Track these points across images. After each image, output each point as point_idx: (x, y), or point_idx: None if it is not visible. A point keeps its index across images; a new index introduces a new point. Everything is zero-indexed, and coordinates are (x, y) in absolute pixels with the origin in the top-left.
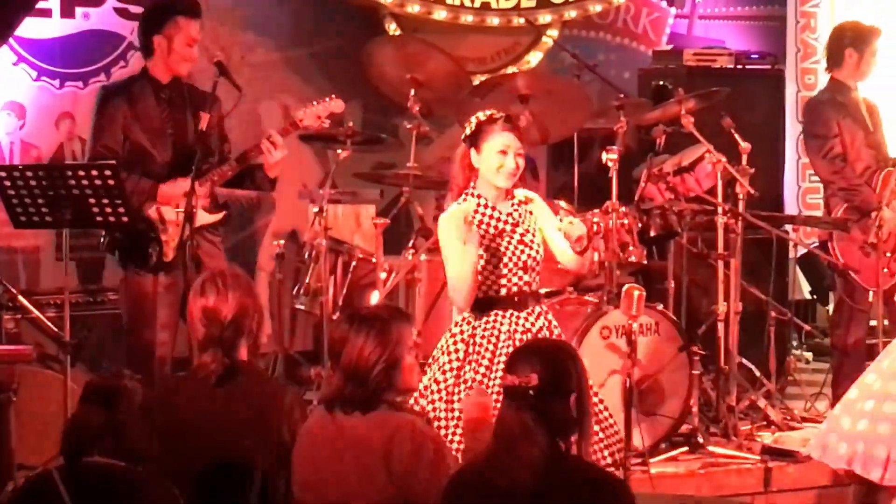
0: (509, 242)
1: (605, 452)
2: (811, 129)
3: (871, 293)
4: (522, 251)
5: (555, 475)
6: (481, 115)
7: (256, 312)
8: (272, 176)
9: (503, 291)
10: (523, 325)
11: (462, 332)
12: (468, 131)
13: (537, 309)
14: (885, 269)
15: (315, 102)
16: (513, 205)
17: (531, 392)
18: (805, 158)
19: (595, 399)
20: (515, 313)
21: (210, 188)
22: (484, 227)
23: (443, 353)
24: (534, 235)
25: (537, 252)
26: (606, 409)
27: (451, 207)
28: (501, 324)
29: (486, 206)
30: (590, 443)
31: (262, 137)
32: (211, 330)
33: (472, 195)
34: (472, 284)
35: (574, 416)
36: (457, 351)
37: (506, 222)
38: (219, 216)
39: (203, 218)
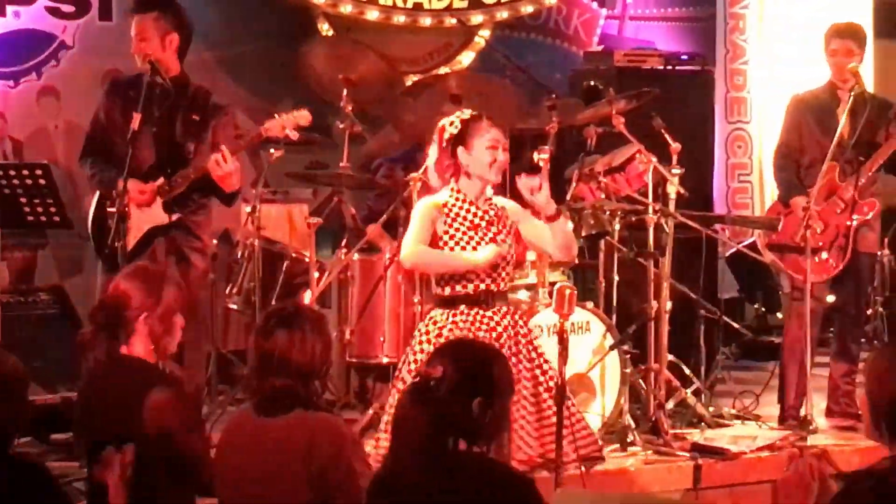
0: (481, 240)
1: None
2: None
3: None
4: None
5: (451, 473)
6: (463, 115)
7: (145, 306)
8: (228, 189)
9: (470, 288)
10: (487, 324)
11: (428, 333)
12: (453, 131)
13: (503, 308)
14: (819, 262)
15: (278, 115)
16: (491, 205)
17: (432, 385)
18: (735, 158)
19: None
20: (481, 311)
21: (165, 191)
22: (460, 220)
23: (412, 353)
24: (506, 237)
25: (509, 253)
26: (574, 405)
27: (432, 196)
28: (465, 321)
29: (464, 201)
30: (502, 446)
31: (214, 151)
32: (96, 316)
33: (455, 190)
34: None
35: (478, 418)
36: (422, 351)
37: (482, 219)
38: (174, 218)
39: (158, 219)
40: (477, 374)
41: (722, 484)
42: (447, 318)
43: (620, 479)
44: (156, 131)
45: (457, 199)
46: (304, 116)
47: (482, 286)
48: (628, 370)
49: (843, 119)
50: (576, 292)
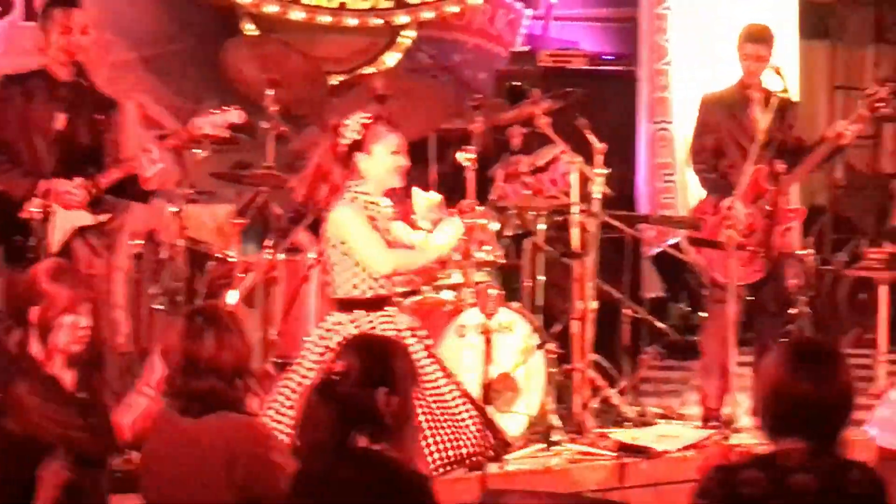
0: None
1: (451, 451)
2: (695, 124)
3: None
4: None
5: (353, 471)
6: (362, 119)
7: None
8: (149, 188)
9: (369, 294)
10: (383, 326)
11: (328, 338)
12: (354, 136)
13: (394, 309)
14: (747, 265)
15: (212, 112)
16: (388, 206)
17: (337, 380)
18: (659, 158)
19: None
20: (380, 313)
21: (90, 191)
22: (378, 222)
23: (310, 353)
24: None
25: None
26: (464, 403)
27: (343, 204)
28: (368, 324)
29: (374, 205)
30: (406, 441)
31: (140, 150)
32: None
33: (363, 192)
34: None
35: (383, 410)
36: (322, 354)
37: (391, 219)
38: (102, 218)
39: (83, 219)
40: (379, 365)
41: (646, 483)
42: (346, 323)
43: (545, 478)
44: (66, 130)
45: (367, 203)
46: (235, 115)
47: (382, 291)
48: (553, 370)
49: (766, 119)
50: (501, 292)
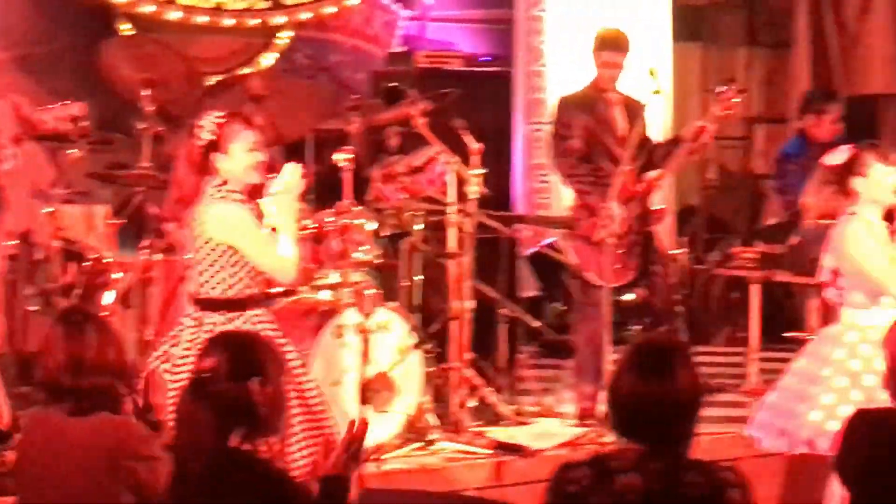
0: None
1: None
2: (555, 129)
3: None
4: None
5: (224, 467)
6: (217, 119)
7: None
8: None
9: (245, 293)
10: (254, 325)
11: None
12: (209, 136)
13: (262, 310)
14: (620, 266)
15: (52, 106)
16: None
17: (209, 377)
18: (535, 159)
19: (312, 395)
20: (253, 312)
21: None
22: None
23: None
24: None
25: None
26: (321, 404)
27: (218, 204)
28: (243, 324)
29: (243, 203)
30: (279, 432)
31: None
32: None
33: (231, 191)
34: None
35: (257, 400)
36: (186, 356)
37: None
38: None
39: None
40: (246, 357)
41: (523, 481)
42: (244, 322)
43: (422, 477)
44: None
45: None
46: (76, 107)
47: (255, 290)
48: (430, 369)
49: (625, 121)
50: (378, 292)
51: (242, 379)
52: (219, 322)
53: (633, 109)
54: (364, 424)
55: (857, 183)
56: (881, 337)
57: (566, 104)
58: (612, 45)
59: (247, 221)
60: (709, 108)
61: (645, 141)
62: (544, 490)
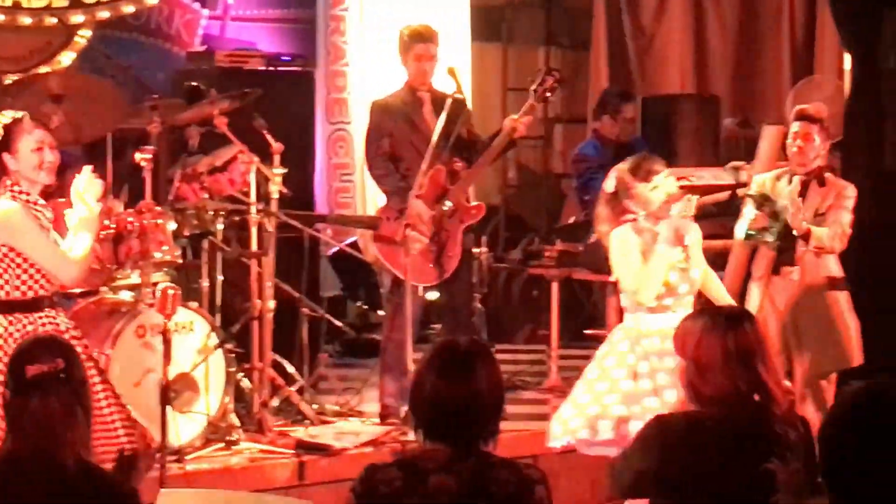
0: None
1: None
2: (367, 131)
3: (420, 288)
4: None
5: (72, 480)
6: (3, 120)
7: None
8: None
9: (30, 294)
10: (47, 327)
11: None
12: None
13: (54, 311)
14: (432, 265)
15: None
16: (45, 206)
17: (62, 375)
18: (337, 158)
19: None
20: (40, 314)
21: None
22: (44, 222)
23: None
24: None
25: None
26: (114, 405)
27: (5, 203)
28: (30, 326)
29: (35, 204)
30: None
31: None
32: None
33: (21, 192)
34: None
35: (85, 404)
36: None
37: (49, 220)
38: None
39: None
40: (71, 360)
41: (326, 480)
42: (31, 324)
43: (225, 478)
44: None
45: (28, 202)
46: None
47: (41, 291)
48: (232, 369)
49: (441, 121)
50: (179, 292)
51: (74, 381)
52: (4, 324)
53: (453, 106)
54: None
55: (629, 205)
56: (668, 337)
57: (379, 107)
58: (423, 37)
59: (26, 221)
60: (525, 102)
61: (467, 137)
62: (348, 492)
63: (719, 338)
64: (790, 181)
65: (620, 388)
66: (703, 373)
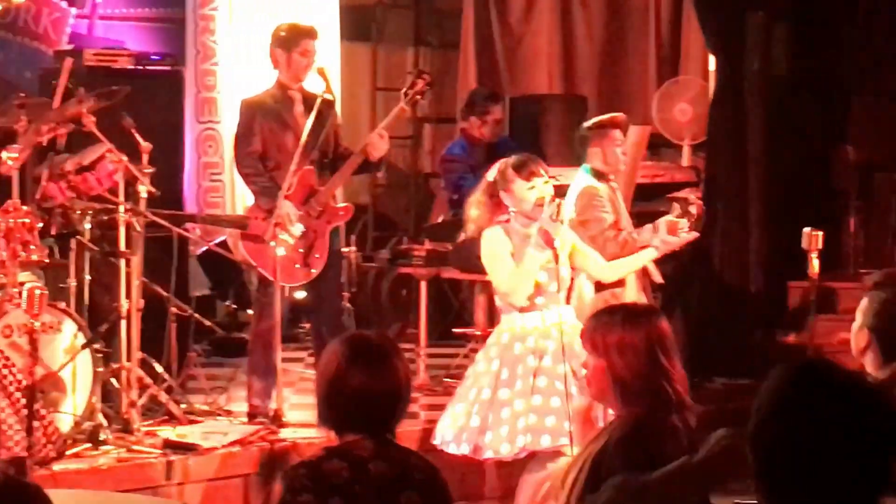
0: None
1: None
2: (237, 129)
3: (287, 288)
4: None
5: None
6: None
7: None
8: None
9: None
10: None
11: None
12: None
13: None
14: (299, 265)
15: None
16: None
17: None
18: (206, 158)
19: None
20: None
21: None
22: None
23: None
24: None
25: None
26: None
27: None
28: None
29: None
30: None
31: None
32: None
33: None
34: None
35: None
36: None
37: None
38: None
39: None
40: None
41: (194, 479)
42: None
43: (93, 478)
44: None
45: None
46: None
47: None
48: (100, 369)
49: (309, 121)
50: (46, 292)
51: None
52: None
53: (321, 106)
54: None
55: (504, 197)
56: (545, 336)
57: (249, 105)
58: (308, 34)
59: None
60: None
61: (336, 138)
62: (285, 493)
63: (644, 332)
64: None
65: (482, 397)
66: (631, 369)
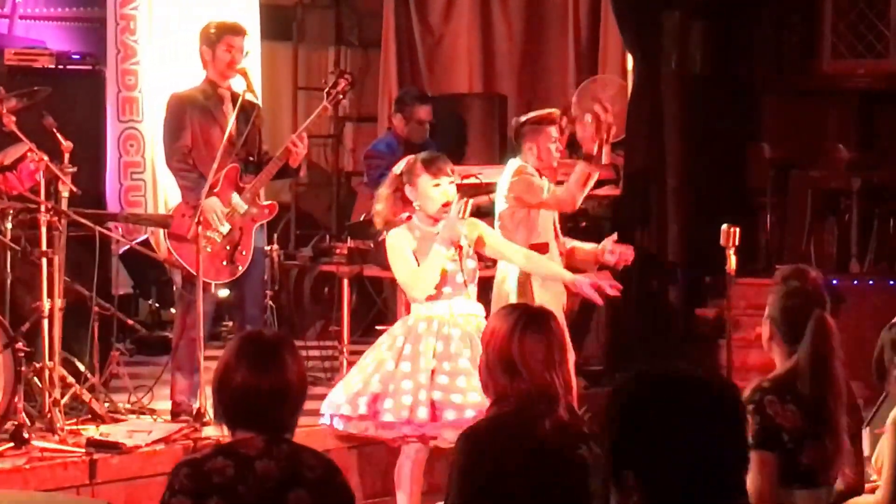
0: None
1: None
2: (165, 123)
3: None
4: None
5: None
6: None
7: None
8: None
9: None
10: None
11: None
12: None
13: None
14: (225, 262)
15: None
16: None
17: None
18: (128, 157)
19: None
20: None
21: None
22: None
23: None
24: None
25: None
26: None
27: None
28: None
29: None
30: None
31: None
32: None
33: None
34: None
35: None
36: None
37: None
38: None
39: None
40: None
41: (118, 478)
42: None
43: (15, 478)
44: None
45: None
46: None
47: None
48: (22, 368)
49: (232, 118)
50: None
51: None
52: None
53: (245, 106)
54: None
55: (408, 191)
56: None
57: (179, 99)
58: (237, 30)
59: None
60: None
61: (259, 142)
62: (166, 491)
63: (540, 336)
64: None
65: (385, 368)
66: (519, 370)
